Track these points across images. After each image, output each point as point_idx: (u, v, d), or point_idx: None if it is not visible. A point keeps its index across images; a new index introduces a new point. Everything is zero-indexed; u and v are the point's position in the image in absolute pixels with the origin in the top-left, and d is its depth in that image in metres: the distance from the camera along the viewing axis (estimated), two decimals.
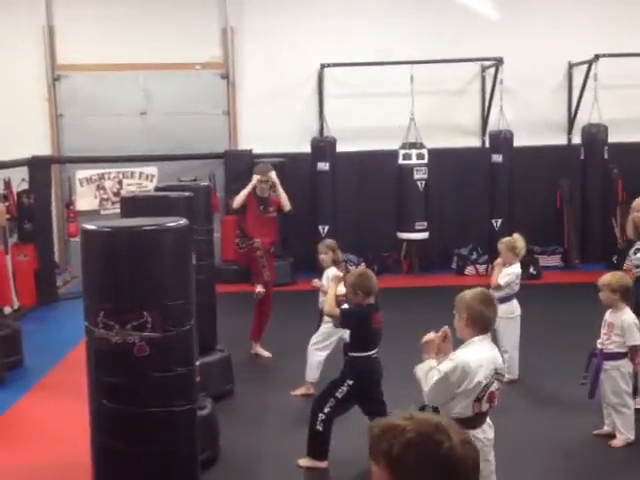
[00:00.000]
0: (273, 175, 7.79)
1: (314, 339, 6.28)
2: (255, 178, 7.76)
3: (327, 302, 5.25)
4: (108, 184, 11.44)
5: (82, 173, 11.36)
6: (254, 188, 7.77)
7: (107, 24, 11.24)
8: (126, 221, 4.00)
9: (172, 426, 3.52)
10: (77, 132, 11.45)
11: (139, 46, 11.23)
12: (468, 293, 3.71)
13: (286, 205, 7.82)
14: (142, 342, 3.38)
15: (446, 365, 3.52)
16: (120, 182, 11.44)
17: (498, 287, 6.48)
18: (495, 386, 3.62)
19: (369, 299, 5.00)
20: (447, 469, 1.60)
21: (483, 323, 3.61)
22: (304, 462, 4.98)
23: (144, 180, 11.43)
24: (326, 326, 6.12)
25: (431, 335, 3.66)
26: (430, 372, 3.55)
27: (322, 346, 6.21)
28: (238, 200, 7.82)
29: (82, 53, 11.28)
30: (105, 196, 11.45)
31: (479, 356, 3.54)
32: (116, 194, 11.03)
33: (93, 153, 11.07)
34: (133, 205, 5.11)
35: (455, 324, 3.70)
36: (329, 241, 6.78)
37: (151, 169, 11.43)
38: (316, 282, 6.23)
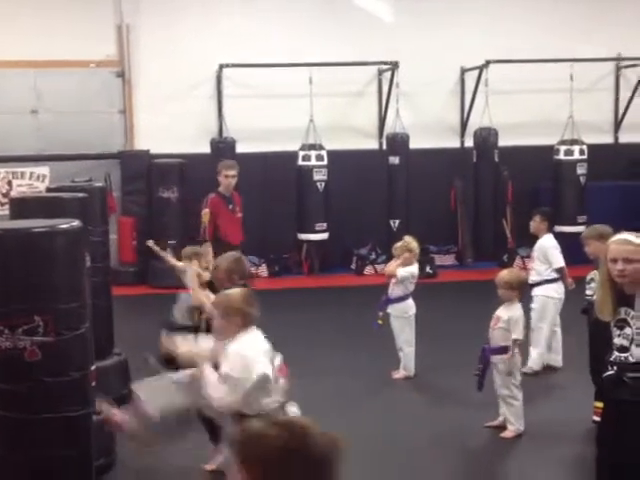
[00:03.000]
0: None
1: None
2: (223, 173, 7.52)
3: (193, 294, 5.20)
4: None
5: None
6: (217, 186, 7.56)
7: None
8: (16, 223, 3.86)
9: (67, 432, 3.43)
10: None
11: (29, 43, 10.81)
12: (234, 294, 3.80)
13: None
14: (33, 346, 3.28)
15: (225, 366, 3.55)
16: (9, 183, 11.01)
17: (393, 276, 6.61)
18: (278, 362, 3.74)
19: (243, 281, 4.87)
20: (311, 460, 1.74)
21: (252, 320, 3.71)
22: (210, 467, 4.91)
23: (35, 181, 11.04)
24: None
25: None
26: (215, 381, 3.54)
27: None
28: (205, 229, 7.48)
29: None
30: None
31: (255, 344, 3.65)
32: (5, 195, 10.61)
33: None
34: (23, 207, 4.93)
35: (218, 324, 3.76)
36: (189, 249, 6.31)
37: (43, 169, 11.05)
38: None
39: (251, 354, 3.58)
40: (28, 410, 3.35)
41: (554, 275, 6.71)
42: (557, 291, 6.75)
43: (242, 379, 3.50)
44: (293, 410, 3.69)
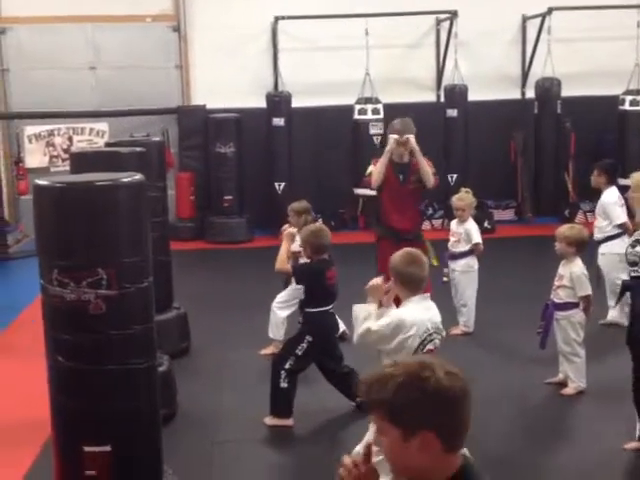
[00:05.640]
0: (412, 139, 6.16)
1: (279, 298, 6.17)
2: (392, 138, 6.22)
3: (278, 259, 5.20)
4: (58, 140, 11.17)
5: (31, 129, 11.07)
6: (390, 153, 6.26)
7: None
8: (80, 176, 3.90)
9: (131, 384, 3.50)
10: (24, 87, 11.10)
11: None
12: (396, 255, 3.80)
13: (428, 179, 6.20)
14: (97, 300, 3.32)
15: (383, 321, 3.64)
16: (70, 138, 11.18)
17: (480, 245, 6.63)
18: (436, 343, 3.70)
19: (320, 255, 4.98)
20: (438, 400, 1.74)
21: (414, 283, 3.70)
22: (270, 421, 4.97)
23: (95, 136, 11.19)
24: (292, 286, 5.97)
25: (377, 280, 3.79)
26: (368, 318, 3.68)
27: (285, 305, 6.11)
28: (377, 176, 6.23)
29: (27, 5, 10.89)
30: (55, 153, 11.19)
31: (414, 314, 3.64)
32: (66, 151, 10.77)
33: (41, 108, 10.76)
34: (83, 161, 4.99)
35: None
36: (296, 204, 6.22)
37: (102, 125, 11.18)
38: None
39: (409, 321, 3.60)
40: (93, 362, 3.42)
41: (617, 230, 6.59)
42: (621, 246, 6.54)
43: (387, 337, 3.59)
44: None
